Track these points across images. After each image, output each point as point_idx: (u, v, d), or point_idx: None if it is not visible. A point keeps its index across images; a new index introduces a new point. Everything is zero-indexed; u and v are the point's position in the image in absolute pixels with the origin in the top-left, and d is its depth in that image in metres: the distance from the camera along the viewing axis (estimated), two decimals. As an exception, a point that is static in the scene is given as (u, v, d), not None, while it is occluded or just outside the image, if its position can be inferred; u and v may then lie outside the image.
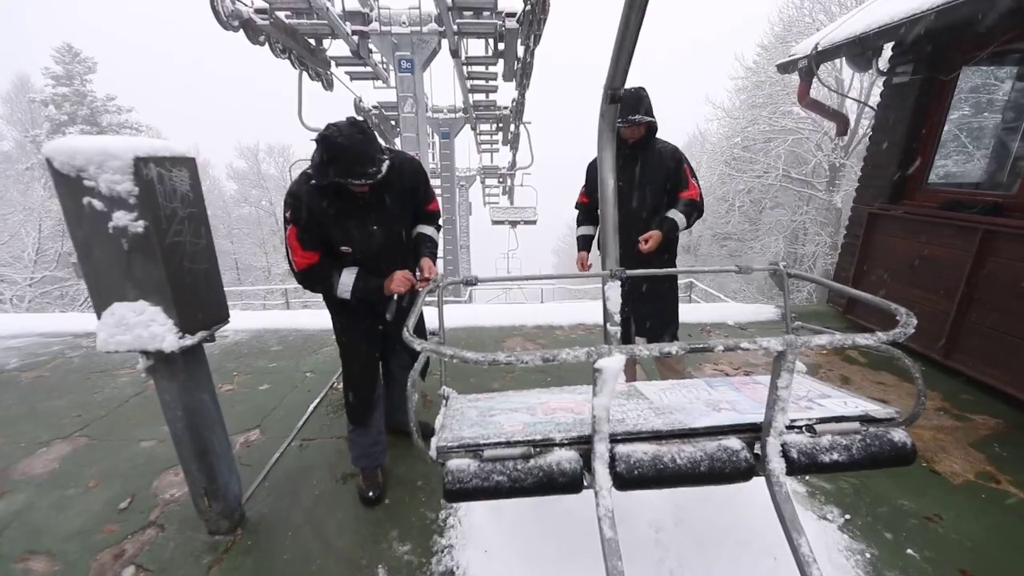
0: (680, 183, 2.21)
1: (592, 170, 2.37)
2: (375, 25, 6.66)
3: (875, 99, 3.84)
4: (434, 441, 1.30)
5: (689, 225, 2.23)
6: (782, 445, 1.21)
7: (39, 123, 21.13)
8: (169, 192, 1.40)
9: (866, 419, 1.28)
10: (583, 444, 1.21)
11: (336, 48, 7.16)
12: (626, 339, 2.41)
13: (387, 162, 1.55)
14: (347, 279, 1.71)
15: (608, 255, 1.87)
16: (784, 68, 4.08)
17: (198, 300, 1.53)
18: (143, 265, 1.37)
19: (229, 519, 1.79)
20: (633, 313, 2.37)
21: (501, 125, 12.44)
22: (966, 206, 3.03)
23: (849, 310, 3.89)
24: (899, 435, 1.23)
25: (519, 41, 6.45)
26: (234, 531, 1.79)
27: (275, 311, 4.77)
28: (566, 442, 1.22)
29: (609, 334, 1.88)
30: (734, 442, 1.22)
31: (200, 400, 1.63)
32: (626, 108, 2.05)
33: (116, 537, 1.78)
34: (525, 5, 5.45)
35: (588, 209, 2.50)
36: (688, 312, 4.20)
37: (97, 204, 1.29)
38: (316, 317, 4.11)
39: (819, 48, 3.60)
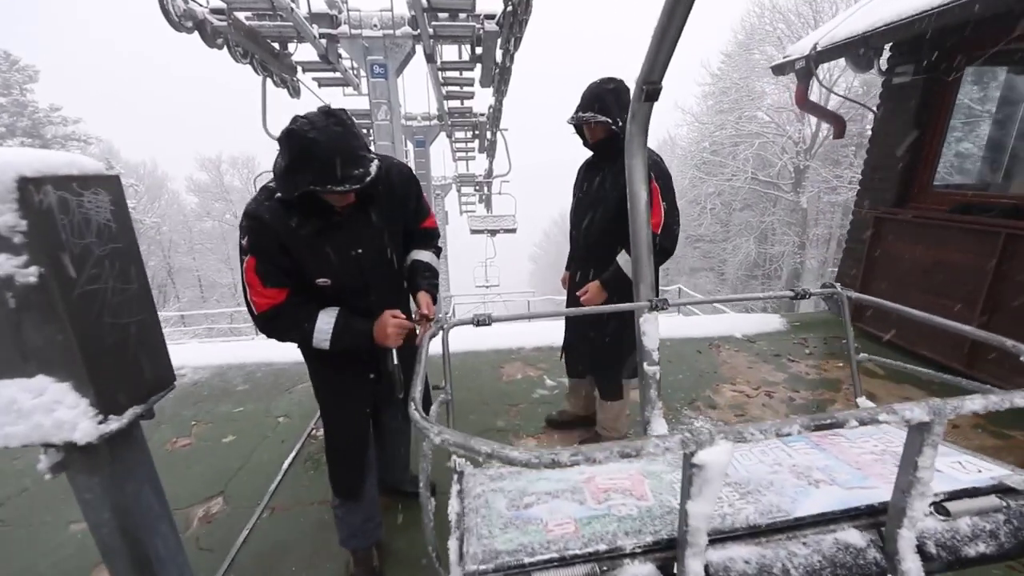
0: None
1: (578, 172, 2.09)
2: (344, 28, 6.27)
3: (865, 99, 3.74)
4: (453, 559, 0.96)
5: None
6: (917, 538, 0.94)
7: (-29, 137, 19.52)
8: (79, 224, 1.03)
9: (1002, 489, 1.04)
10: (661, 552, 0.91)
11: (303, 52, 6.71)
12: (572, 371, 2.33)
13: (375, 163, 1.21)
14: (325, 323, 1.34)
15: (643, 281, 1.58)
16: (779, 70, 3.95)
17: (127, 366, 1.15)
18: (40, 327, 0.98)
19: (182, 637, 1.40)
20: (579, 345, 2.16)
21: (477, 132, 12.16)
22: (980, 209, 2.92)
23: (857, 318, 3.75)
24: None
25: (498, 45, 6.19)
26: (189, 652, 1.40)
27: (240, 343, 4.29)
28: (638, 551, 0.91)
29: (647, 376, 1.60)
30: (854, 536, 0.94)
31: (137, 495, 1.24)
32: (581, 101, 1.79)
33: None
34: (506, 6, 5.19)
35: None
36: (693, 326, 3.98)
37: (-38, 247, 0.91)
38: (289, 348, 3.66)
39: (818, 48, 3.47)
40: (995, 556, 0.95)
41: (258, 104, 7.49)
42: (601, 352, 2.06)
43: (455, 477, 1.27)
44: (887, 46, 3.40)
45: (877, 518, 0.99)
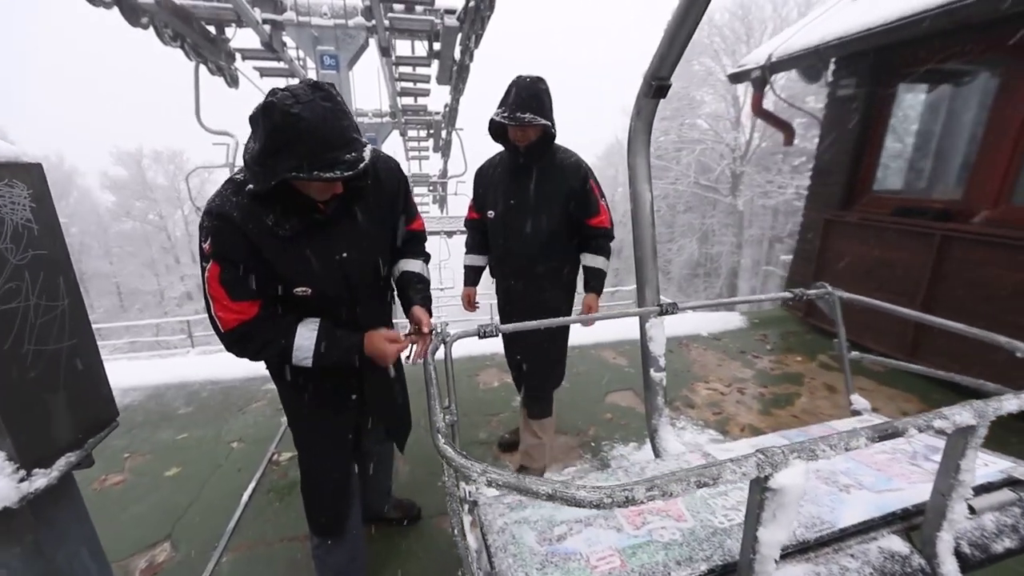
0: (588, 207, 1.78)
1: (482, 176, 1.95)
2: (291, 15, 5.83)
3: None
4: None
5: (609, 257, 1.89)
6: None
7: None
8: (-13, 226, 0.79)
9: (1011, 482, 1.07)
10: (717, 580, 0.85)
11: (243, 38, 6.17)
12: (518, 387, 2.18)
13: (368, 149, 1.03)
14: (305, 338, 1.15)
15: (648, 284, 1.53)
16: (735, 78, 4.13)
17: (56, 404, 0.92)
18: (-67, 363, 0.75)
19: None
20: (517, 361, 2.03)
21: (432, 131, 11.86)
22: (917, 212, 3.19)
23: (810, 313, 4.00)
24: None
25: (457, 41, 6.02)
26: None
27: (177, 357, 3.82)
28: (694, 581, 0.84)
29: (653, 383, 1.55)
30: (896, 543, 0.93)
31: (71, 563, 1.00)
32: (516, 101, 1.62)
33: None
34: (467, 2, 5.05)
35: (479, 229, 2.02)
36: (662, 326, 4.05)
37: None
38: (238, 361, 3.31)
39: (773, 59, 3.66)
40: (1018, 550, 0.97)
41: (189, 94, 6.80)
42: (542, 364, 1.95)
43: (465, 507, 1.14)
44: (833, 60, 3.64)
45: (911, 521, 0.99)
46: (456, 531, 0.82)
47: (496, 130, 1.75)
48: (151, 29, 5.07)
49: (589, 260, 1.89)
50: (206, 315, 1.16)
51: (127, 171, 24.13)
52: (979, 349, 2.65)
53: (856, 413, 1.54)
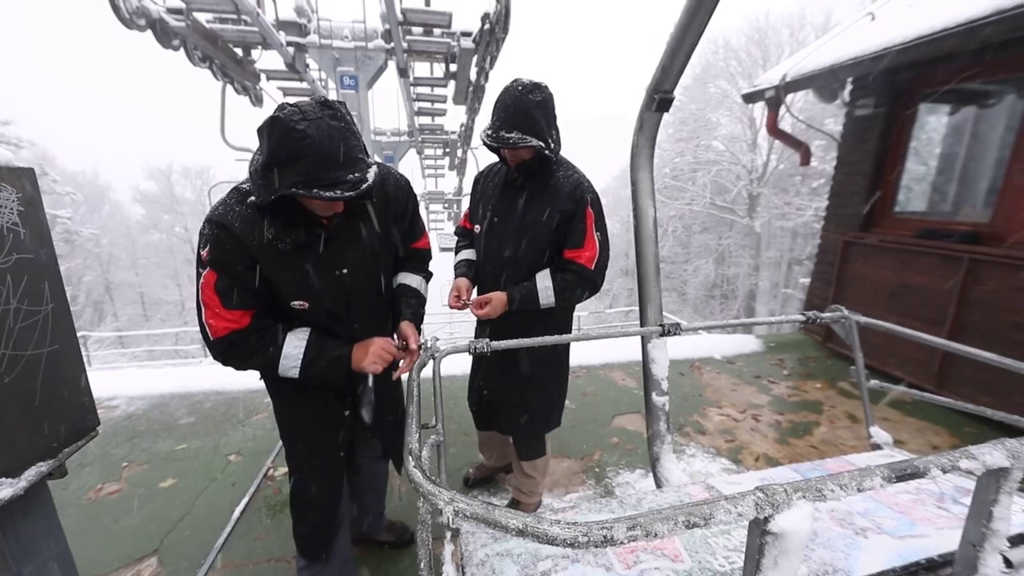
0: (572, 235, 1.49)
1: (477, 184, 1.74)
2: (313, 37, 6.05)
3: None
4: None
5: (564, 303, 1.54)
6: (987, 594, 0.84)
7: None
8: (-30, 229, 0.79)
9: (1053, 531, 0.96)
10: (715, 629, 0.76)
11: (267, 60, 6.42)
12: (484, 423, 1.91)
13: (373, 170, 1.03)
14: (294, 348, 1.13)
15: (650, 303, 1.47)
16: (749, 98, 4.09)
17: (31, 410, 0.90)
18: (-98, 366, 0.73)
19: None
20: (495, 395, 1.76)
21: (448, 150, 12.07)
22: (942, 234, 3.06)
23: (829, 338, 3.84)
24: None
25: (473, 63, 6.16)
26: None
27: (185, 368, 3.86)
28: (690, 630, 0.76)
29: (656, 407, 1.47)
30: (922, 595, 0.83)
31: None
32: (503, 117, 1.42)
33: None
34: (483, 24, 5.17)
35: (471, 236, 1.80)
36: (673, 348, 3.94)
37: None
38: (243, 374, 3.31)
39: (787, 79, 3.61)
40: (1062, 611, 0.86)
41: (216, 112, 7.08)
42: (527, 406, 1.71)
43: (448, 535, 1.07)
44: (849, 80, 3.58)
45: (937, 573, 0.89)
46: (423, 564, 0.75)
47: (491, 147, 1.56)
48: (182, 51, 5.32)
49: (538, 275, 1.53)
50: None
51: (157, 185, 25.16)
52: (1013, 381, 2.49)
53: (876, 447, 1.43)
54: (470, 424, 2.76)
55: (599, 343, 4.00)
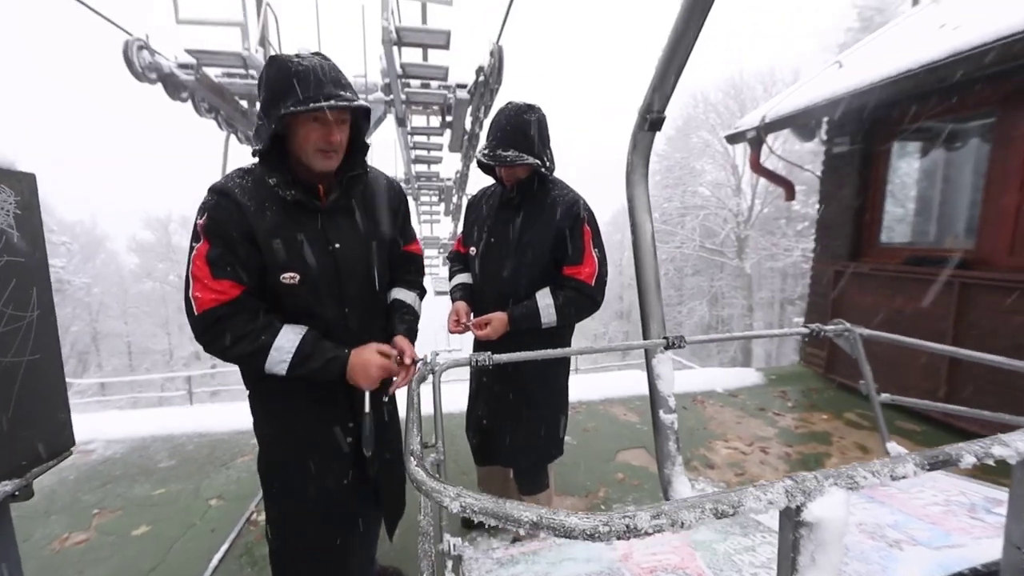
0: (570, 252, 1.51)
1: (472, 208, 1.76)
2: (316, 90, 6.37)
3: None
4: None
5: (565, 320, 1.53)
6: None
7: None
8: (-38, 226, 0.77)
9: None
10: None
11: (271, 111, 6.70)
12: (483, 457, 1.82)
13: (364, 105, 1.08)
14: (288, 340, 1.05)
15: (652, 317, 1.45)
16: (732, 139, 4.31)
17: (2, 424, 0.84)
18: None
19: None
20: (495, 422, 1.70)
21: (443, 196, 12.41)
22: (930, 261, 3.12)
23: (831, 369, 3.80)
24: None
25: (468, 112, 6.47)
26: None
27: (170, 407, 3.70)
28: (721, 653, 0.68)
29: (664, 426, 1.42)
30: (971, 611, 0.76)
31: (-17, 619, 0.86)
32: (500, 136, 1.46)
33: None
34: (478, 76, 5.49)
35: (463, 262, 1.80)
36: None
37: None
38: (229, 413, 3.18)
39: (766, 120, 3.82)
40: None
41: (218, 161, 7.28)
42: (531, 438, 1.65)
43: (449, 564, 0.98)
44: (824, 120, 3.80)
45: (982, 586, 0.82)
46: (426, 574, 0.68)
47: (487, 167, 1.62)
48: (190, 103, 5.55)
49: (539, 294, 1.52)
50: (196, 340, 1.09)
51: (154, 235, 25.39)
52: (1011, 393, 2.47)
53: (896, 463, 1.37)
54: (468, 463, 2.63)
55: (598, 378, 3.93)
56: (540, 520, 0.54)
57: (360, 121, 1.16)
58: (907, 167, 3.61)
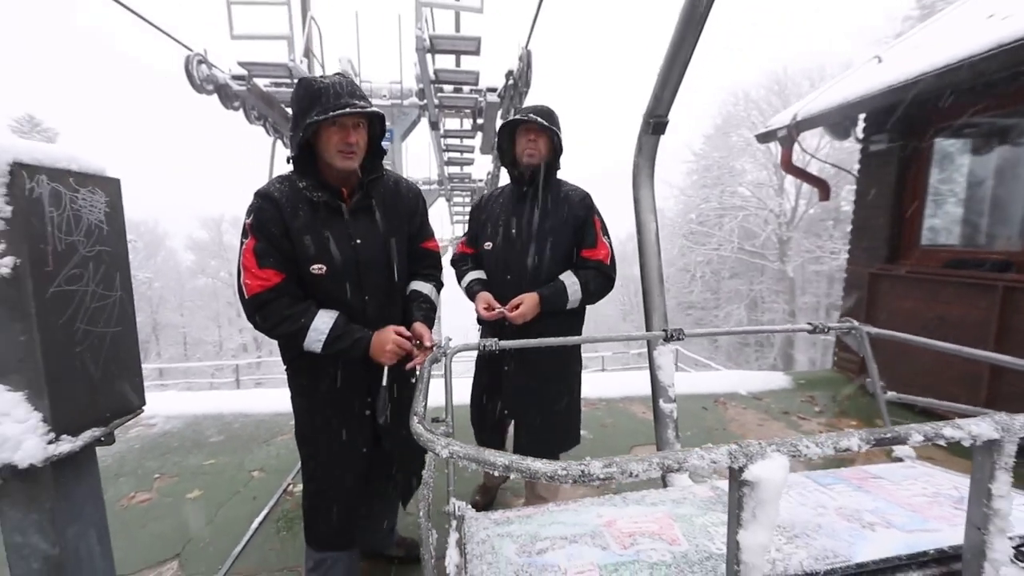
0: (586, 238, 1.67)
1: (480, 209, 1.86)
2: (356, 97, 6.71)
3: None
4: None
5: (589, 299, 1.66)
6: (1001, 585, 0.80)
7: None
8: (68, 220, 0.97)
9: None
10: (707, 603, 0.76)
11: (314, 117, 7.11)
12: (485, 440, 1.90)
13: (379, 114, 1.26)
14: (323, 323, 1.24)
15: (655, 311, 1.53)
16: (763, 138, 4.23)
17: (94, 380, 1.03)
18: (4, 325, 0.88)
19: None
20: (512, 416, 1.78)
21: (474, 197, 12.65)
22: (972, 264, 2.97)
23: (861, 374, 3.66)
24: None
25: (498, 115, 6.62)
26: None
27: (220, 391, 4.05)
28: (681, 601, 0.76)
29: (663, 415, 1.48)
30: (928, 584, 0.80)
31: (78, 542, 1.05)
32: (533, 110, 1.63)
33: None
34: (507, 80, 5.63)
35: (473, 260, 1.87)
36: (697, 382, 3.85)
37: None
38: (271, 398, 3.46)
39: (798, 118, 3.74)
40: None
41: (265, 164, 7.79)
42: (551, 427, 1.75)
43: (453, 524, 1.11)
44: (861, 116, 3.67)
45: (950, 566, 0.86)
46: (423, 513, 0.80)
47: (505, 150, 1.76)
48: (241, 111, 6.00)
49: (564, 275, 1.65)
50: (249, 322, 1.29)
51: (208, 234, 27.19)
52: None
53: (898, 459, 1.38)
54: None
55: (621, 376, 3.96)
56: (511, 464, 0.65)
57: (376, 130, 1.31)
58: (951, 165, 3.44)
